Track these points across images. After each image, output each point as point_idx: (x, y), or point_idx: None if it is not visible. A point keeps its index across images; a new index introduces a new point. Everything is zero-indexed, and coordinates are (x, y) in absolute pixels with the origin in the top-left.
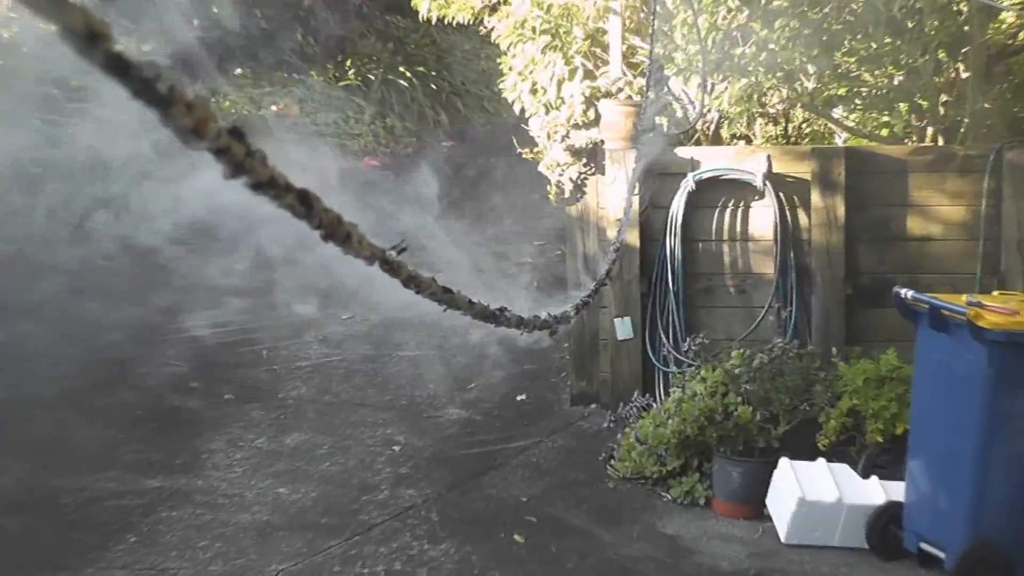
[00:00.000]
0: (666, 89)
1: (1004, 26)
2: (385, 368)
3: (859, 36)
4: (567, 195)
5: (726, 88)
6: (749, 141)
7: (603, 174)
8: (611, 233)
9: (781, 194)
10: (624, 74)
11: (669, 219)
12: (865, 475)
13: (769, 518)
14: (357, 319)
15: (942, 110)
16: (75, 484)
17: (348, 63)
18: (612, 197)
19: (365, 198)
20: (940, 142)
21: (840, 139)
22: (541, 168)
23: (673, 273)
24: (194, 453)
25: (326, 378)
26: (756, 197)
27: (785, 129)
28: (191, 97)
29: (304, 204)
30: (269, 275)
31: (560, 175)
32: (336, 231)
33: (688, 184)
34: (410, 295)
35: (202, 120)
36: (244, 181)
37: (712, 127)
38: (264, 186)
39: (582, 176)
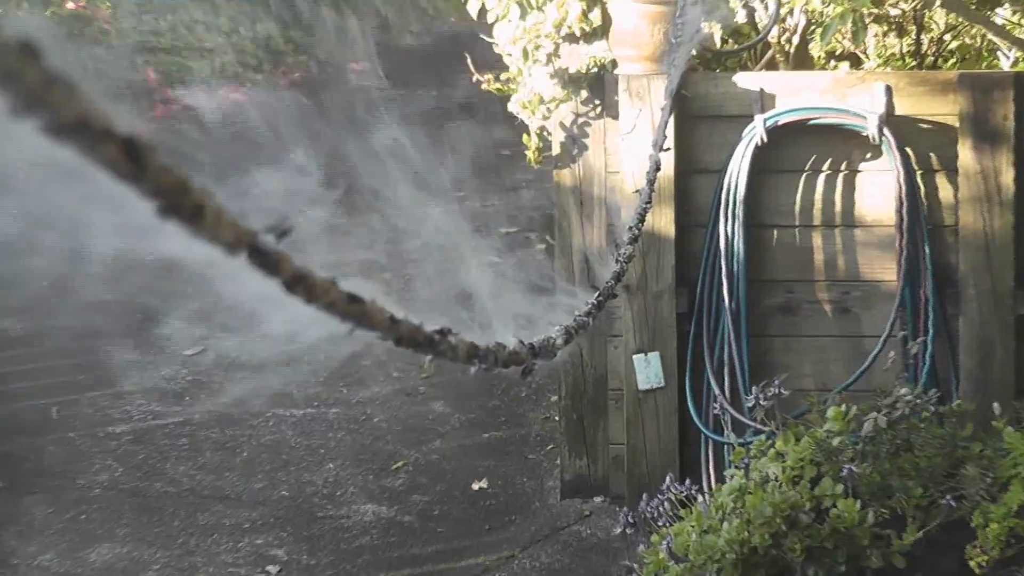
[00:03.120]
0: None
1: None
2: (255, 436)
3: None
4: (556, 151)
5: None
6: (856, 63)
7: (615, 117)
8: (627, 214)
9: (909, 150)
10: None
11: (724, 191)
12: None
13: None
14: (210, 355)
15: None
16: None
17: None
18: (629, 154)
19: (221, 156)
20: None
21: (1007, 59)
22: (513, 107)
23: (731, 280)
24: None
25: (157, 453)
26: (867, 155)
27: (916, 43)
28: None
29: (133, 159)
30: (69, 278)
31: (545, 118)
32: (181, 202)
33: (756, 134)
34: (297, 310)
35: None
36: (40, 122)
37: (795, 40)
38: (72, 130)
39: (580, 120)
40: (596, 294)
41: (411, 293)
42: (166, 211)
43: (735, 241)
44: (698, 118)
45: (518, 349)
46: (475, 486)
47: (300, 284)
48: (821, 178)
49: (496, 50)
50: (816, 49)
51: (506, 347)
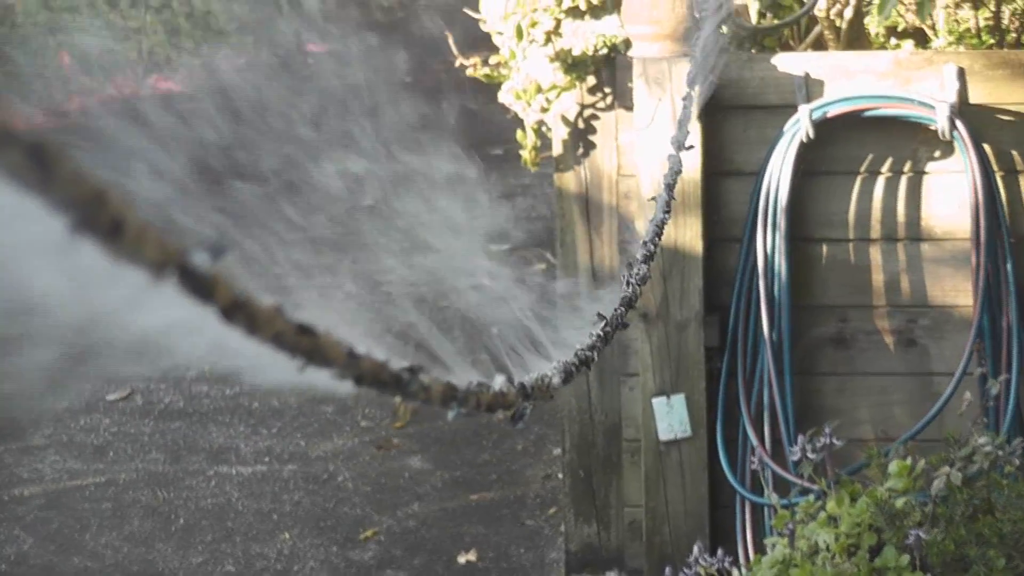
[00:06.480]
0: None
1: None
2: (194, 500)
3: None
4: (557, 150)
5: None
6: (922, 40)
7: (628, 108)
8: (642, 225)
9: (986, 146)
10: None
11: (762, 198)
12: None
13: None
14: (137, 400)
15: None
16: None
17: None
18: (647, 154)
19: (149, 158)
20: None
21: None
22: (505, 96)
23: (771, 306)
24: None
25: (75, 520)
26: (936, 153)
27: (995, 16)
28: None
29: (38, 162)
30: None
31: (543, 110)
32: (97, 216)
33: (800, 128)
34: (237, 344)
35: None
36: None
37: (848, 13)
38: None
39: (587, 112)
40: (602, 323)
41: (381, 324)
42: (79, 226)
43: (776, 258)
44: (730, 109)
45: (505, 390)
46: (461, 559)
47: (240, 312)
48: (880, 181)
49: (484, 28)
50: (873, 24)
51: (491, 387)
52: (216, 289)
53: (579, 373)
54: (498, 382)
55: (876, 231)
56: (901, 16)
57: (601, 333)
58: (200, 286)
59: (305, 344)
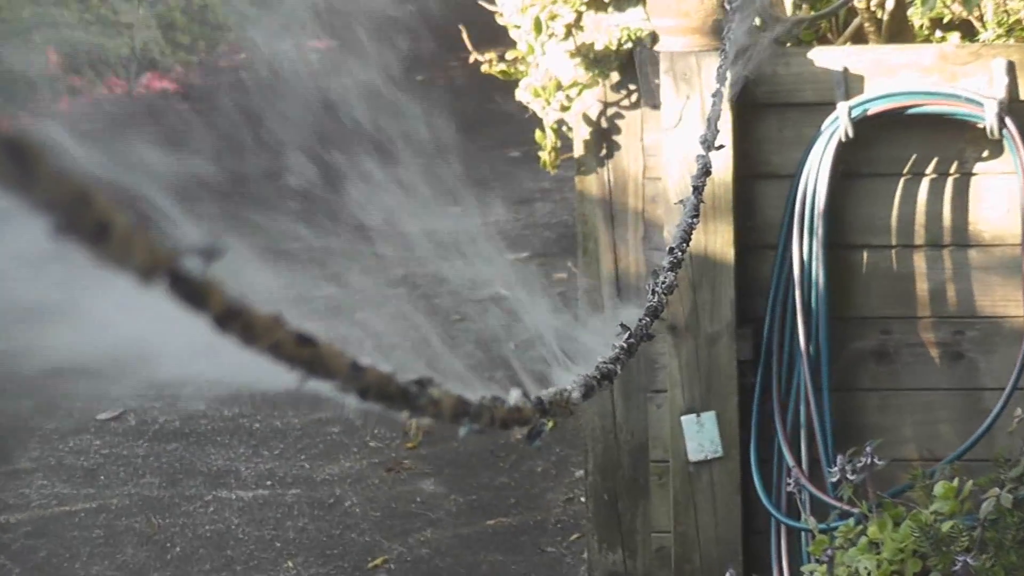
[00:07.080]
0: None
1: None
2: (191, 526)
3: None
4: (579, 152)
5: None
6: (970, 33)
7: (655, 106)
8: (669, 231)
9: None
10: None
11: (798, 202)
12: None
13: None
14: (131, 420)
15: None
16: None
17: None
18: (675, 155)
19: (141, 161)
20: None
21: None
22: (523, 95)
23: (808, 317)
24: None
25: (64, 548)
26: (984, 152)
27: None
28: None
29: (17, 161)
30: None
31: (563, 108)
32: (80, 218)
33: (839, 127)
34: (234, 356)
35: None
36: None
37: (890, 4)
38: None
39: (610, 111)
40: (625, 335)
41: (390, 338)
42: (62, 228)
43: (813, 266)
44: (764, 107)
45: (521, 405)
46: None
47: (235, 321)
48: (924, 183)
49: (500, 21)
50: (917, 16)
51: (505, 402)
52: (209, 296)
53: (601, 388)
54: (513, 396)
55: (920, 237)
56: (947, 7)
57: (625, 345)
58: (192, 292)
59: (305, 355)
